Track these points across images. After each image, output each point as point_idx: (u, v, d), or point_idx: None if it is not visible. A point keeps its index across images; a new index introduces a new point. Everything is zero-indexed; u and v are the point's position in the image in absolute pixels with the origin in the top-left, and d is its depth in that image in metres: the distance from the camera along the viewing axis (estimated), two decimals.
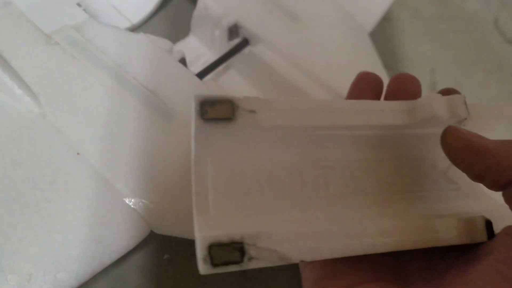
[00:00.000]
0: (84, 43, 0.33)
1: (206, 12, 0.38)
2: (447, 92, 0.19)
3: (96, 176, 0.29)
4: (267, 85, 0.39)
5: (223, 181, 0.16)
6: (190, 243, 0.32)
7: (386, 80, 0.37)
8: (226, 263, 0.14)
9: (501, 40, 0.41)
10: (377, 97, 0.21)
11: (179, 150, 0.30)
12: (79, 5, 0.36)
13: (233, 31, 0.38)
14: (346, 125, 0.16)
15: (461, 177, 0.17)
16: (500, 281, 0.14)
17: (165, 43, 0.35)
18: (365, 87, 0.20)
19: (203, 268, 0.15)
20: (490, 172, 0.15)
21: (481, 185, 0.16)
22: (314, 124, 0.15)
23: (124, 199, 0.28)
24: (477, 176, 0.16)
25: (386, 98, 0.21)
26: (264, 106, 0.15)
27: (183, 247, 0.36)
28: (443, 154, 0.16)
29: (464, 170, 0.16)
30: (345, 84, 0.37)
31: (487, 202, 0.18)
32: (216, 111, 0.15)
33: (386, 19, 0.42)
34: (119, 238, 0.28)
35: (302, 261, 0.14)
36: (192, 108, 0.15)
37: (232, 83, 0.40)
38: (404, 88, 0.20)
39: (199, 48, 0.41)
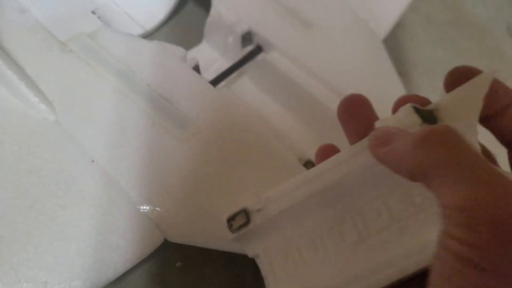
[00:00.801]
0: (98, 50, 0.33)
1: (220, 19, 0.38)
2: (405, 100, 0.18)
3: (110, 183, 0.29)
4: (281, 92, 0.39)
5: (277, 259, 0.20)
6: (202, 251, 0.32)
7: (400, 87, 0.36)
8: None
9: None
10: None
11: (194, 157, 0.30)
12: (93, 12, 0.36)
13: (247, 38, 0.38)
14: (330, 184, 0.18)
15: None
16: None
17: (178, 50, 0.35)
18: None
19: None
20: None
21: None
22: (309, 194, 0.19)
23: (139, 207, 0.28)
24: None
25: (341, 117, 0.19)
26: (266, 202, 0.20)
27: (195, 255, 0.36)
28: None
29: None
30: (358, 91, 0.37)
31: None
32: (237, 222, 0.20)
33: (399, 25, 0.42)
34: (134, 246, 0.28)
35: None
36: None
37: (245, 89, 0.40)
38: (356, 112, 0.19)
39: (212, 55, 0.41)
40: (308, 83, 0.36)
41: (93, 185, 0.28)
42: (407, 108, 0.17)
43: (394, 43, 0.42)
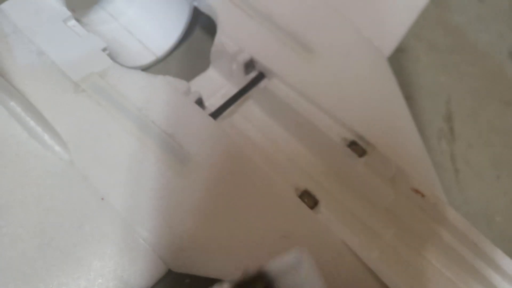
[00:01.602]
0: (108, 90, 0.36)
1: (223, 48, 0.40)
2: None
3: (118, 219, 0.31)
4: (284, 117, 0.40)
5: None
6: None
7: (406, 111, 0.37)
8: None
9: None
10: None
11: (194, 192, 0.32)
12: (104, 50, 0.38)
13: (249, 65, 0.40)
14: None
15: None
16: None
17: (182, 84, 0.37)
18: None
19: None
20: None
21: None
22: None
23: (143, 240, 0.31)
24: None
25: None
26: None
27: None
28: None
29: None
30: (360, 117, 0.37)
31: None
32: None
33: (402, 51, 0.42)
34: (139, 277, 0.30)
35: None
36: None
37: (250, 113, 0.41)
38: None
39: (218, 80, 0.43)
40: (309, 111, 0.37)
41: (103, 222, 0.31)
42: None
43: (397, 67, 0.42)
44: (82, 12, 0.46)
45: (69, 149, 0.33)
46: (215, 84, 0.42)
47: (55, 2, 0.41)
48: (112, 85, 0.36)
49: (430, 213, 0.34)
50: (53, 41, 0.38)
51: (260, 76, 0.40)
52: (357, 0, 0.42)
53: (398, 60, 0.42)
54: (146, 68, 0.45)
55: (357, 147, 0.36)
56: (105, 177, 0.33)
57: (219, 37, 0.40)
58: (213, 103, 0.41)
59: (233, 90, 0.41)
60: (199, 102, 0.37)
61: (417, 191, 0.34)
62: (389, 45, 0.41)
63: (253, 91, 0.41)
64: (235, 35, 0.40)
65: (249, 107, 0.42)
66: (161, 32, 0.46)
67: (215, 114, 0.38)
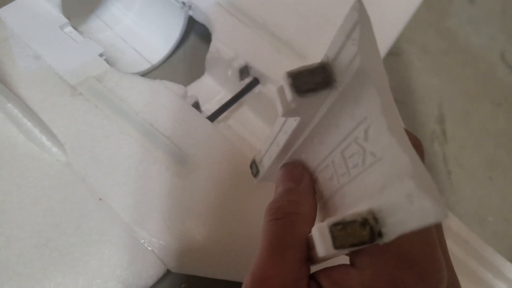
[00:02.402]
0: (105, 93, 0.36)
1: (218, 55, 0.41)
2: None
3: (116, 219, 0.31)
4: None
5: None
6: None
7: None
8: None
9: (508, 72, 0.41)
10: None
11: (193, 192, 0.33)
12: (101, 55, 0.39)
13: (244, 71, 0.40)
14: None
15: None
16: None
17: (179, 88, 0.37)
18: None
19: None
20: None
21: None
22: (285, 142, 0.20)
23: (142, 240, 0.31)
24: None
25: None
26: (261, 156, 0.23)
27: (199, 278, 0.38)
28: None
29: None
30: None
31: None
32: (253, 170, 0.24)
33: (395, 54, 0.43)
34: (138, 278, 0.30)
35: None
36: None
37: (244, 118, 0.42)
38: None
39: (214, 86, 0.43)
40: None
41: (101, 222, 0.31)
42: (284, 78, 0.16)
43: (390, 71, 0.43)
44: (78, 21, 0.47)
45: (66, 151, 0.33)
46: (211, 90, 0.43)
47: (51, 9, 0.41)
48: (109, 88, 0.37)
49: None
50: (50, 46, 0.39)
51: (255, 82, 0.40)
52: (347, 9, 0.43)
53: (391, 64, 0.43)
54: (141, 75, 0.46)
55: None
56: (103, 178, 0.33)
57: (215, 44, 0.41)
58: (208, 108, 0.41)
59: (228, 96, 0.42)
60: (196, 106, 0.38)
61: None
62: (380, 50, 0.43)
63: (248, 97, 0.41)
64: (230, 42, 0.41)
65: (244, 112, 0.42)
66: (157, 40, 0.46)
67: (211, 118, 0.39)
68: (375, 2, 0.43)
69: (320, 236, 0.15)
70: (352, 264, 0.17)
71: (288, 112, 0.16)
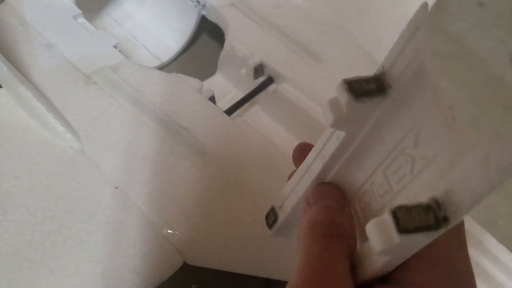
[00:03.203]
0: (120, 83, 0.35)
1: (233, 52, 0.41)
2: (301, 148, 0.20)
3: (134, 208, 0.30)
4: (290, 121, 0.40)
5: None
6: (216, 275, 0.33)
7: None
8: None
9: None
10: None
11: (211, 184, 0.32)
12: (115, 47, 0.38)
13: (259, 70, 0.40)
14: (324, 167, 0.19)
15: None
16: None
17: (195, 82, 0.37)
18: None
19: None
20: None
21: None
22: (309, 184, 0.19)
23: (159, 231, 0.30)
24: None
25: (295, 159, 0.21)
26: (283, 198, 0.20)
27: (210, 277, 0.37)
28: None
29: None
30: None
31: None
32: (269, 219, 0.21)
33: None
34: (155, 269, 0.29)
35: None
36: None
37: (256, 118, 0.42)
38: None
39: (225, 86, 0.43)
40: (317, 112, 0.38)
41: (117, 210, 0.30)
42: (340, 86, 0.16)
43: None
44: (88, 17, 0.46)
45: (80, 138, 0.32)
46: (222, 89, 0.43)
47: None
48: (124, 79, 0.36)
49: None
50: (63, 35, 0.38)
51: (269, 81, 0.40)
52: (359, 16, 0.44)
53: None
54: None
55: None
56: (119, 166, 0.31)
57: (230, 41, 0.41)
58: (220, 106, 0.41)
59: (239, 95, 0.41)
60: (212, 100, 0.37)
61: None
62: None
63: (260, 96, 0.41)
64: (245, 40, 0.41)
65: (255, 112, 0.42)
66: (168, 38, 0.46)
67: (227, 113, 0.38)
68: (386, 10, 0.44)
69: (377, 228, 0.14)
70: (397, 283, 0.16)
71: (339, 120, 0.16)
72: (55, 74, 0.35)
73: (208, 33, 0.47)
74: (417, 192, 0.16)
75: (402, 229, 0.13)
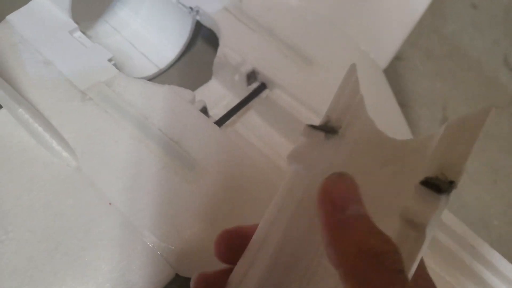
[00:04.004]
0: (114, 98, 0.37)
1: (226, 60, 0.41)
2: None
3: (126, 224, 0.31)
4: (284, 126, 0.41)
5: None
6: None
7: (401, 119, 0.38)
8: None
9: (511, 77, 0.42)
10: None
11: (201, 197, 0.33)
12: (110, 60, 0.39)
13: (251, 76, 0.41)
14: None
15: None
16: None
17: (187, 93, 0.38)
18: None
19: None
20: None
21: None
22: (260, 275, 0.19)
23: (151, 245, 0.31)
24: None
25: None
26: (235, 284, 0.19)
27: None
28: None
29: None
30: None
31: None
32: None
33: (399, 59, 0.44)
34: (147, 282, 0.30)
35: None
36: None
37: (251, 123, 0.42)
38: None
39: (221, 91, 0.44)
40: (309, 118, 0.38)
41: (111, 226, 0.31)
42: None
43: (394, 75, 0.44)
44: (86, 25, 0.47)
45: (76, 156, 0.34)
46: (218, 95, 0.43)
47: (61, 14, 0.42)
48: (118, 93, 0.37)
49: None
50: (59, 51, 0.39)
51: (262, 87, 0.41)
52: (355, 15, 0.44)
53: (395, 68, 0.43)
54: (149, 80, 0.46)
55: None
56: (112, 183, 0.33)
57: (222, 49, 0.41)
58: (216, 112, 0.42)
59: (235, 101, 0.42)
60: (204, 111, 0.38)
61: None
62: (385, 58, 0.43)
63: (255, 101, 0.42)
64: (238, 47, 0.41)
65: (251, 117, 0.43)
66: (164, 45, 0.47)
67: (218, 123, 0.39)
68: (382, 8, 0.44)
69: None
70: None
71: (298, 152, 0.19)
72: (53, 92, 0.37)
73: (204, 38, 0.48)
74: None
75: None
